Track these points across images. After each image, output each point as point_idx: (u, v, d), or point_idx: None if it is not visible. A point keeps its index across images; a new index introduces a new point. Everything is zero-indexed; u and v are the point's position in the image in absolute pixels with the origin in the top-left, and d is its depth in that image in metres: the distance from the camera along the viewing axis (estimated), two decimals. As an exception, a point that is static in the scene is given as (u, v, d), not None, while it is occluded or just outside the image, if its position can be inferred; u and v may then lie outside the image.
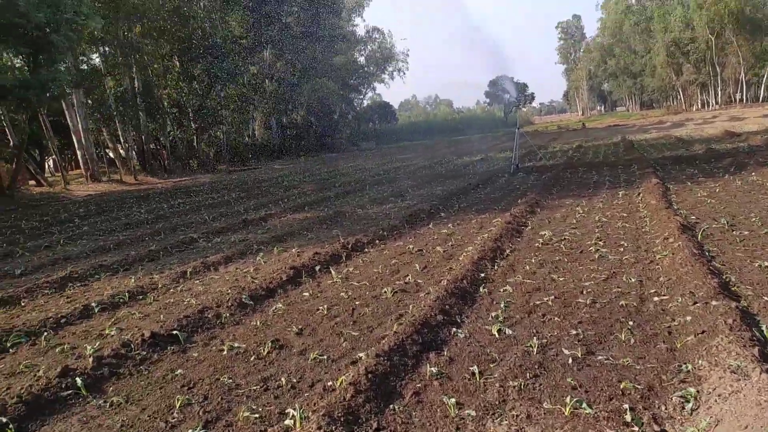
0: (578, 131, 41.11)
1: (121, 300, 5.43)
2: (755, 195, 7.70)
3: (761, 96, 56.69)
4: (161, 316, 4.87)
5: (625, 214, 7.30)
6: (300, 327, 4.22)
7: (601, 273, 4.85)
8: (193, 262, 6.95)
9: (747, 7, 55.62)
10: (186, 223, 10.71)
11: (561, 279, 4.78)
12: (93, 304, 5.20)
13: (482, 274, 5.07)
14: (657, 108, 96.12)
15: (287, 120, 53.44)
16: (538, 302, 4.22)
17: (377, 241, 7.21)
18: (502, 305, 4.22)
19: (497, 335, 3.64)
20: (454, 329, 3.79)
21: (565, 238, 6.23)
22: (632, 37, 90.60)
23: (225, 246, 8.03)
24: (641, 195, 8.54)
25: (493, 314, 4.04)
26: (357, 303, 4.71)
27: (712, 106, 61.03)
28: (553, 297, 4.29)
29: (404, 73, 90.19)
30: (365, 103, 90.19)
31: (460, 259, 5.78)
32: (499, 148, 26.59)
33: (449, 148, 33.46)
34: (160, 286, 5.94)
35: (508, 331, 3.67)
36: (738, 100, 58.51)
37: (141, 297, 5.59)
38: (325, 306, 4.65)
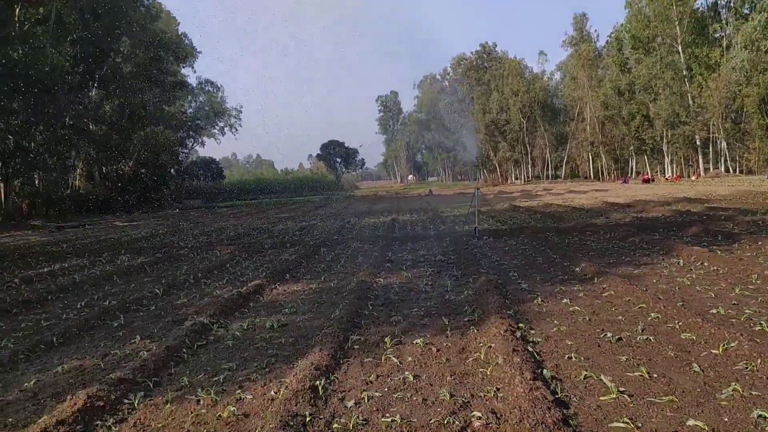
0: (430, 197, 42.68)
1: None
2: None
3: (562, 174, 66.41)
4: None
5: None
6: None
7: None
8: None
9: (550, 97, 65.56)
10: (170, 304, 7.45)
11: None
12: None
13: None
14: (466, 180, 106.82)
15: (111, 170, 46.49)
16: None
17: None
18: None
19: None
20: None
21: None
22: (447, 116, 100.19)
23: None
24: (702, 261, 8.07)
25: None
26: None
27: (523, 180, 69.42)
28: None
29: (236, 130, 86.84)
30: (190, 158, 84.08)
31: None
32: (380, 211, 25.83)
33: (317, 210, 31.82)
34: None
35: None
36: (545, 176, 67.60)
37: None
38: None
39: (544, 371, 4.06)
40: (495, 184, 68.62)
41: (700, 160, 48.66)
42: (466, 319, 5.73)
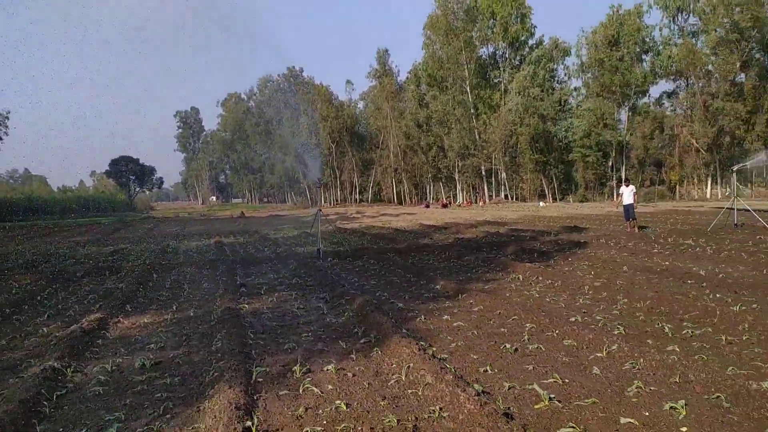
0: (244, 219, 41.29)
1: None
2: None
3: (369, 198, 69.82)
4: None
5: (603, 292, 7.64)
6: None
7: None
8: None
9: (357, 124, 68.81)
10: None
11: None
12: None
13: None
14: (273, 202, 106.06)
15: None
16: None
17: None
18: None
19: None
20: None
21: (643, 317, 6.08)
22: (253, 137, 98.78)
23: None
24: (537, 276, 9.15)
25: None
26: None
27: (331, 203, 71.29)
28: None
29: (1, 139, 73.60)
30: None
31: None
32: (198, 233, 24.26)
33: (118, 232, 28.63)
34: None
35: None
36: (353, 200, 70.31)
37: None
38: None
39: (475, 386, 4.15)
40: (305, 207, 69.19)
41: (486, 188, 55.52)
42: (362, 342, 5.62)
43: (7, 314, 7.49)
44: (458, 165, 56.30)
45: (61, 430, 3.74)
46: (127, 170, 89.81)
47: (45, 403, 4.14)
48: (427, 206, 50.56)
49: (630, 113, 47.33)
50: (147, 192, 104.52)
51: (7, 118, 67.46)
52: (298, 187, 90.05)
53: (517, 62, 54.72)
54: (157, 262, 12.95)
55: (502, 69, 55.23)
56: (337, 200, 72.71)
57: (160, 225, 36.42)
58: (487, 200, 53.49)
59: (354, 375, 4.64)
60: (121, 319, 7.07)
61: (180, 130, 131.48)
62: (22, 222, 56.29)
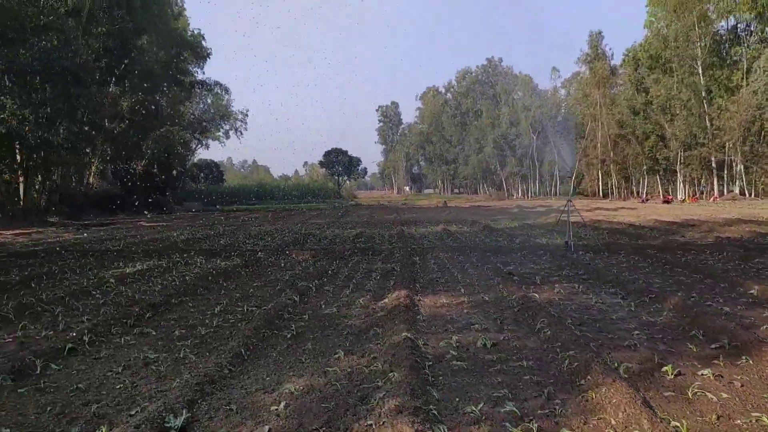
0: (450, 209, 42.01)
1: None
2: None
3: (570, 191, 66.16)
4: None
5: None
6: None
7: None
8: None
9: (561, 114, 65.50)
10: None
11: None
12: None
13: None
14: (465, 194, 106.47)
15: (123, 168, 45.24)
16: None
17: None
18: None
19: None
20: None
21: None
22: (449, 128, 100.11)
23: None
24: None
25: None
26: None
27: (531, 195, 69.15)
28: None
29: (241, 134, 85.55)
30: (191, 160, 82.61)
31: None
32: (417, 221, 25.12)
33: (344, 218, 31.07)
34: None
35: None
36: (551, 193, 67.36)
37: None
38: None
39: None
40: (501, 199, 68.22)
41: (715, 182, 48.59)
42: (713, 346, 5.00)
43: (319, 285, 8.38)
44: (681, 156, 50.11)
45: (457, 399, 3.87)
46: (337, 161, 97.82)
47: (425, 372, 4.36)
48: (644, 201, 46.03)
49: None
50: (353, 181, 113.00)
51: (247, 115, 77.94)
52: (492, 179, 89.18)
53: (766, 35, 46.58)
54: (406, 246, 13.58)
55: (745, 45, 47.53)
56: (535, 193, 70.25)
57: (373, 212, 38.83)
58: (717, 196, 46.77)
59: (742, 385, 4.09)
60: (421, 298, 7.40)
61: (381, 124, 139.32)
62: (255, 204, 64.99)
